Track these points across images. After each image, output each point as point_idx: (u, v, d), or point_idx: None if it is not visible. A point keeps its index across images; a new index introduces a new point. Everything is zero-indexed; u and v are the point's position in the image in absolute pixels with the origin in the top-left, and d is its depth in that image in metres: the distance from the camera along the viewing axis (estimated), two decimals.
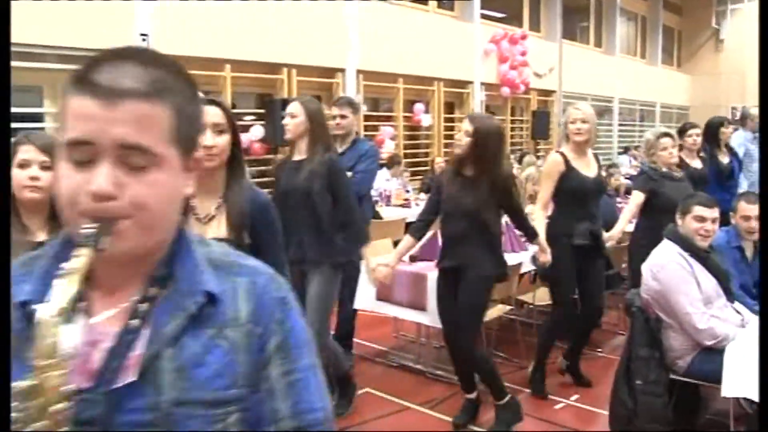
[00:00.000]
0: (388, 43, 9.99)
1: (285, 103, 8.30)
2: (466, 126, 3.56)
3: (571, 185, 4.03)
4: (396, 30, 10.12)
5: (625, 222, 4.54)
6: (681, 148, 5.44)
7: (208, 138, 2.06)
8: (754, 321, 3.27)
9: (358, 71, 9.66)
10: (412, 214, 7.67)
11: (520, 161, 9.45)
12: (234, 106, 8.76)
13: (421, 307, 4.27)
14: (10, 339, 0.84)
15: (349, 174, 4.61)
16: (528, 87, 12.93)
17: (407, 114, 10.62)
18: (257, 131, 8.42)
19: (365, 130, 10.03)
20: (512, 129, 13.31)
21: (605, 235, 4.23)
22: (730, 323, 3.24)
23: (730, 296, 3.41)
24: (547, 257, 3.95)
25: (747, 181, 6.67)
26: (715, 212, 3.43)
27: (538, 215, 4.13)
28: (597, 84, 15.85)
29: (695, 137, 5.52)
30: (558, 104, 14.30)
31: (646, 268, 3.37)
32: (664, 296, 3.24)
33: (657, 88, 19.08)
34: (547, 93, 14.15)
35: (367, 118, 10.19)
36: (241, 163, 2.19)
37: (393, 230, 6.42)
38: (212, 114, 2.10)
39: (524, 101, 13.55)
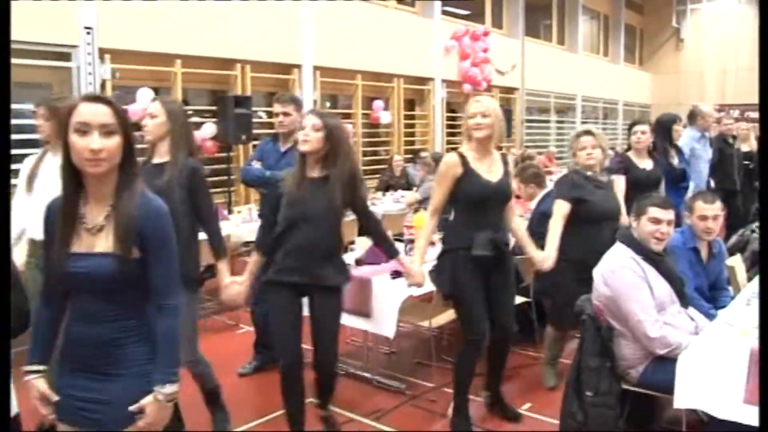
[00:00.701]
0: (346, 39, 9.78)
1: (237, 99, 8.12)
2: (313, 120, 3.15)
3: (468, 190, 3.46)
4: (354, 26, 9.92)
5: (557, 238, 3.92)
6: (629, 147, 5.30)
7: (95, 140, 1.81)
8: (708, 327, 3.13)
9: (315, 67, 9.44)
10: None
11: None
12: (186, 103, 8.49)
13: (365, 314, 4.08)
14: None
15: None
16: (490, 84, 12.81)
17: (366, 111, 10.43)
18: (209, 129, 8.15)
19: None
20: None
21: (539, 256, 3.80)
22: (683, 331, 3.10)
23: (684, 301, 3.27)
24: (413, 279, 3.59)
25: (693, 183, 6.42)
26: (670, 214, 3.29)
27: (425, 224, 3.69)
28: (560, 82, 15.83)
29: (640, 135, 5.15)
30: (521, 102, 14.23)
31: (597, 273, 3.22)
32: (615, 303, 3.09)
33: (619, 86, 19.16)
34: (510, 90, 14.06)
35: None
36: (133, 167, 1.95)
37: (349, 231, 6.20)
38: (100, 113, 1.84)
39: None
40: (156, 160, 3.24)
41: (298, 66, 9.26)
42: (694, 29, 21.23)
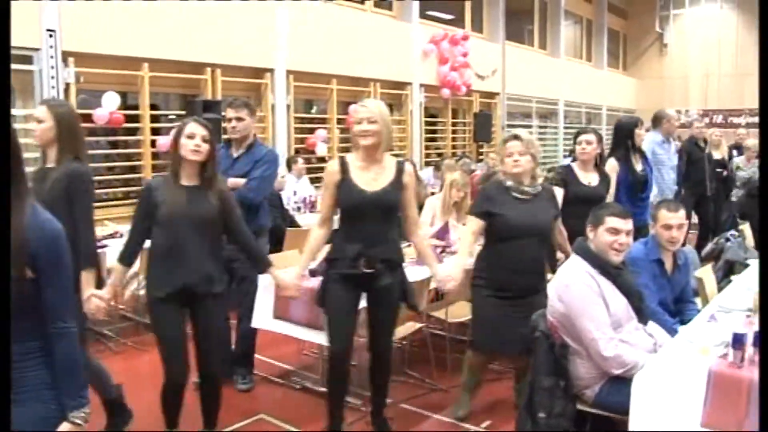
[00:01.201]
0: (321, 43, 9.61)
1: (206, 104, 7.94)
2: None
3: (342, 199, 3.32)
4: (329, 29, 9.75)
5: (464, 256, 3.70)
6: (574, 158, 5.04)
7: None
8: (668, 344, 2.98)
9: (288, 71, 9.26)
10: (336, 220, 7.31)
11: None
12: (156, 107, 8.31)
13: (319, 327, 3.90)
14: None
15: (243, 180, 4.26)
16: (470, 89, 12.66)
17: (342, 116, 10.26)
18: None
19: (298, 133, 9.68)
20: (454, 131, 13.05)
21: (441, 275, 3.54)
22: (640, 349, 2.94)
23: (643, 317, 3.12)
24: (285, 291, 3.50)
25: (656, 188, 6.22)
26: (629, 224, 3.14)
27: (313, 233, 3.55)
28: (542, 86, 15.72)
29: (585, 145, 4.72)
30: (501, 106, 14.11)
31: (551, 287, 3.07)
32: (569, 319, 2.94)
33: (603, 91, 19.08)
34: (491, 95, 13.92)
35: (299, 120, 9.83)
36: (22, 182, 1.79)
37: None
38: None
39: (466, 103, 13.30)
40: (48, 165, 3.19)
41: (270, 70, 9.09)
42: (677, 34, 21.21)
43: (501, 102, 14.09)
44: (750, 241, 6.42)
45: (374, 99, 3.42)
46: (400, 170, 3.36)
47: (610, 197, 4.88)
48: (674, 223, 3.57)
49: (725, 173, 8.43)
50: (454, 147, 12.87)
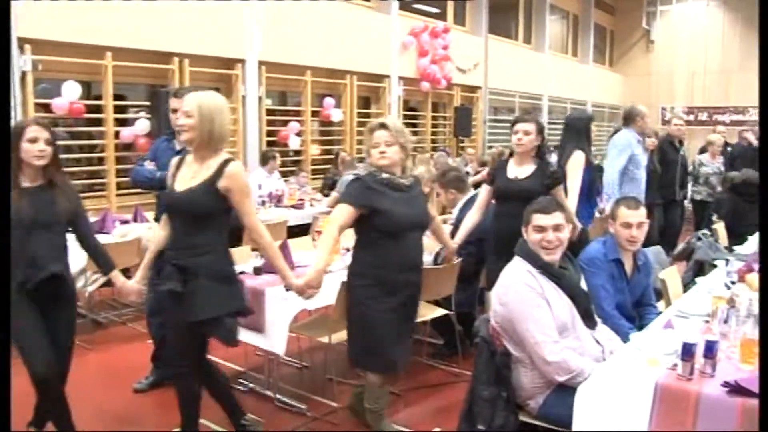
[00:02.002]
0: (295, 34, 9.39)
1: (173, 94, 7.69)
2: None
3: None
4: (304, 19, 9.52)
5: (325, 252, 3.26)
6: (512, 153, 4.45)
7: None
8: (619, 351, 2.78)
9: (260, 62, 9.04)
10: (302, 216, 7.11)
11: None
12: (122, 98, 8.07)
13: (258, 329, 3.70)
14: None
15: None
16: (450, 82, 12.47)
17: (317, 109, 10.05)
18: (142, 125, 7.73)
19: (270, 125, 9.46)
20: (434, 126, 12.86)
21: (298, 283, 3.16)
22: (587, 356, 2.75)
23: (591, 321, 2.93)
24: (128, 297, 3.33)
25: (634, 191, 5.93)
26: (556, 218, 2.93)
27: (155, 235, 3.30)
28: (525, 81, 15.53)
29: (522, 135, 4.17)
30: (483, 101, 13.91)
31: (494, 290, 2.87)
32: (510, 323, 2.75)
33: (588, 87, 18.91)
34: (472, 89, 13.72)
35: (272, 112, 9.61)
36: None
37: (273, 234, 5.83)
38: None
39: (447, 97, 13.10)
40: None
41: (242, 61, 8.86)
42: (664, 31, 21.07)
43: (483, 96, 13.90)
44: (724, 240, 6.26)
45: (207, 92, 2.84)
46: (219, 171, 2.93)
47: (574, 193, 4.65)
48: (633, 221, 3.39)
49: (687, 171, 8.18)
50: (434, 141, 12.68)
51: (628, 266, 3.48)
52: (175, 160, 3.14)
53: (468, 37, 13.58)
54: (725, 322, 2.80)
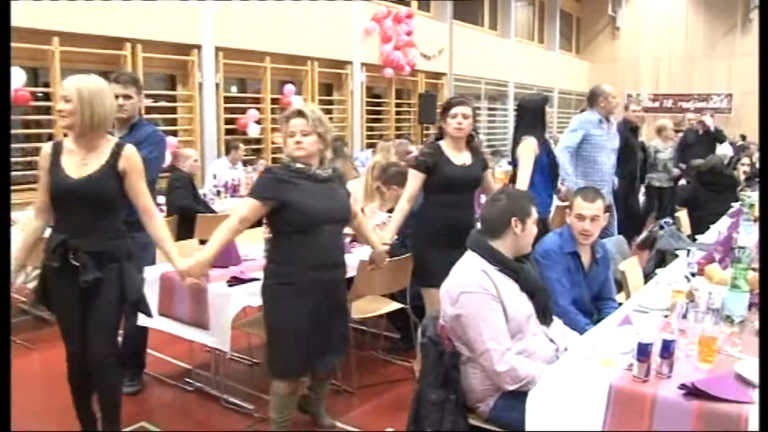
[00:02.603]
0: (253, 19, 9.12)
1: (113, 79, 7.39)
2: None
3: (51, 187, 2.88)
4: (263, 4, 9.25)
5: (215, 246, 3.05)
6: (440, 136, 4.05)
7: None
8: (572, 350, 2.64)
9: (217, 48, 8.77)
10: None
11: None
12: None
13: (203, 325, 3.51)
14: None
15: None
16: (414, 69, 12.29)
17: (277, 96, 9.80)
18: None
19: (228, 113, 9.21)
20: (398, 113, 12.68)
21: (180, 265, 3.02)
22: (539, 358, 2.61)
23: (548, 318, 2.79)
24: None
25: (595, 176, 5.69)
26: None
27: (28, 226, 3.16)
28: (491, 67, 15.42)
29: (461, 119, 3.83)
30: (448, 87, 13.76)
31: (444, 288, 2.71)
32: (461, 325, 2.59)
33: (555, 74, 18.87)
34: (437, 76, 13.56)
35: (230, 99, 9.35)
36: None
37: None
38: None
39: (412, 84, 12.92)
40: None
41: (198, 46, 8.58)
42: (629, 17, 21.14)
43: (448, 83, 13.75)
44: (687, 229, 6.19)
45: (86, 75, 2.71)
46: (116, 154, 2.88)
47: (523, 182, 4.47)
48: (588, 214, 3.26)
49: (643, 157, 8.06)
50: (398, 129, 12.51)
51: (586, 259, 3.35)
52: (47, 147, 2.93)
53: (432, 22, 13.40)
54: (684, 317, 2.68)
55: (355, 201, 5.33)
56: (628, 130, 7.25)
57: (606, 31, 21.72)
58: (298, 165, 3.08)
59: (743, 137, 17.01)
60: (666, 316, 2.94)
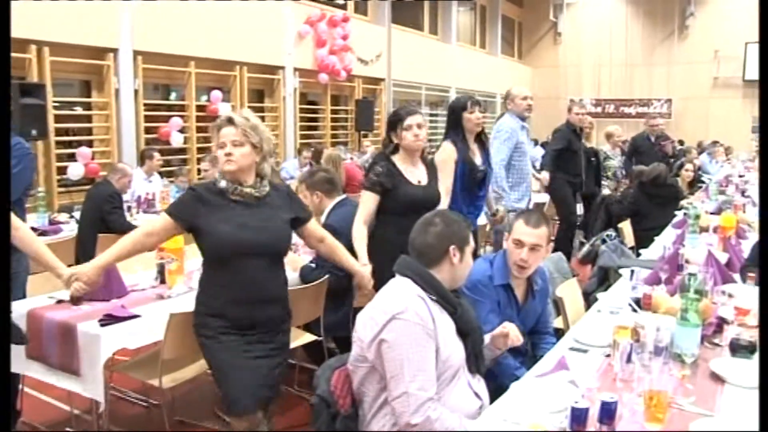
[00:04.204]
0: (176, 21, 8.55)
1: (25, 88, 6.77)
2: None
3: None
4: (186, 6, 8.69)
5: (108, 255, 2.73)
6: (395, 149, 3.61)
7: None
8: (496, 408, 2.19)
9: (136, 52, 8.17)
10: None
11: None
12: None
13: (73, 371, 2.98)
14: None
15: None
16: (351, 74, 11.86)
17: (204, 103, 9.24)
18: None
19: (149, 121, 8.60)
20: (334, 120, 12.22)
21: (65, 270, 2.73)
22: (463, 414, 2.16)
23: (479, 364, 2.35)
24: None
25: (521, 186, 5.29)
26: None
27: None
28: (432, 73, 15.09)
29: (416, 130, 3.52)
30: (387, 93, 13.36)
31: (366, 314, 2.24)
32: (381, 355, 2.12)
33: (497, 79, 18.63)
34: (375, 81, 13.16)
35: (151, 107, 8.74)
36: None
37: None
38: None
39: (349, 89, 12.48)
40: None
41: (114, 50, 7.97)
42: (570, 23, 21.14)
43: (386, 88, 13.35)
44: (630, 240, 5.86)
45: None
46: None
47: (446, 195, 3.89)
48: (528, 241, 2.76)
49: (595, 163, 7.73)
50: (334, 136, 12.06)
51: (520, 292, 2.87)
52: None
53: (370, 26, 13.00)
54: (628, 360, 2.28)
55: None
56: (572, 133, 7.00)
57: (548, 36, 21.69)
58: (222, 183, 2.65)
59: (681, 142, 17.09)
60: (608, 355, 2.54)
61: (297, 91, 10.87)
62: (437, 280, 2.27)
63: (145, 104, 8.47)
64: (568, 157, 6.90)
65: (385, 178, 3.50)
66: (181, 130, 8.86)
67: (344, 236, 3.45)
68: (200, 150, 9.09)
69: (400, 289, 2.24)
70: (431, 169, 3.75)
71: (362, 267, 3.25)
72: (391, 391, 2.10)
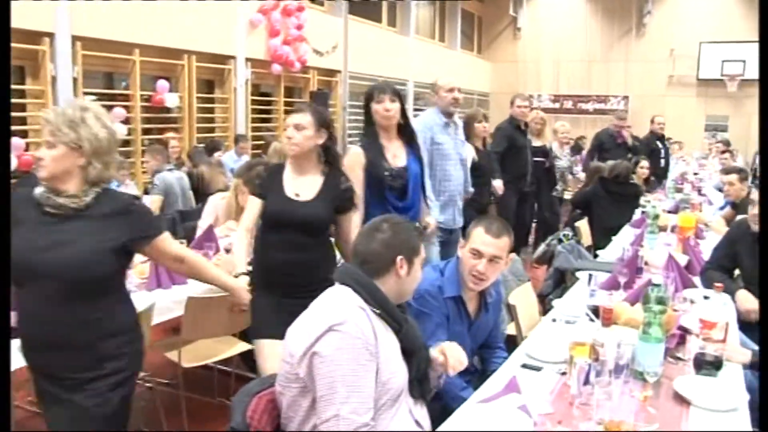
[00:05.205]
0: (119, 5, 8.11)
1: None
2: None
3: None
4: None
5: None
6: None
7: None
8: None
9: (75, 37, 7.72)
10: None
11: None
12: None
13: None
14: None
15: None
16: (305, 65, 11.52)
17: (148, 93, 8.82)
18: None
19: None
20: (288, 112, 11.79)
21: None
22: None
23: (425, 388, 2.09)
24: None
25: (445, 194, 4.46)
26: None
27: None
28: (390, 66, 14.80)
29: (293, 131, 2.93)
30: (343, 85, 13.03)
31: (299, 326, 1.97)
32: (312, 370, 1.86)
33: (456, 73, 18.22)
34: (331, 73, 12.83)
35: (90, 96, 8.29)
36: None
37: None
38: None
39: (303, 81, 12.14)
40: None
41: (50, 35, 7.52)
42: (530, 18, 21.06)
43: (343, 81, 13.01)
44: (587, 239, 5.70)
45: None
46: None
47: (360, 202, 3.29)
48: (487, 252, 2.49)
49: (548, 163, 7.25)
50: None
51: (472, 305, 2.62)
52: None
53: (326, 17, 12.66)
54: (586, 382, 2.05)
55: (218, 218, 4.52)
56: (515, 129, 6.52)
57: (507, 31, 21.58)
58: (38, 191, 2.15)
59: (637, 138, 17.13)
60: (563, 373, 2.32)
61: (249, 82, 10.47)
62: (382, 293, 2.00)
63: (85, 93, 8.02)
64: (512, 156, 6.40)
65: (262, 179, 3.09)
66: (125, 122, 8.43)
67: None
68: (144, 143, 8.68)
69: (340, 299, 1.98)
70: (330, 182, 3.02)
71: (236, 282, 2.76)
72: (321, 413, 1.84)
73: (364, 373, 1.85)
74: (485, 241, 2.50)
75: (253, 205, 3.04)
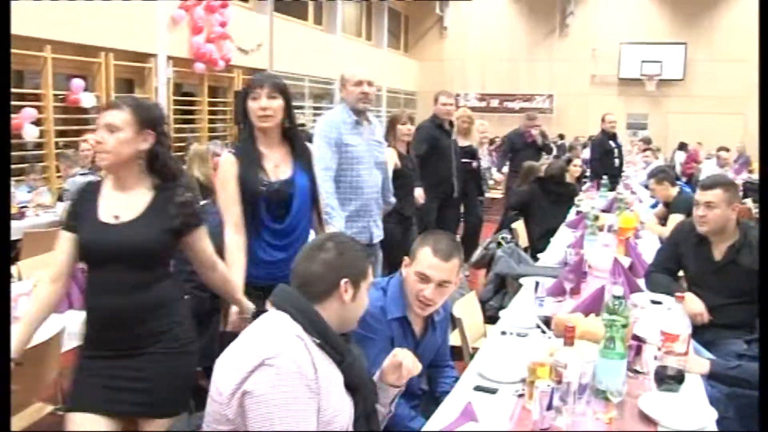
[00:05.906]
0: (28, 2, 7.60)
1: None
2: None
3: None
4: None
5: None
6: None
7: None
8: None
9: None
10: (18, 228, 5.52)
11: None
12: None
13: None
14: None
15: None
16: (229, 64, 11.15)
17: (61, 92, 8.32)
18: None
19: None
20: (212, 112, 11.47)
21: None
22: None
23: (370, 426, 1.89)
24: None
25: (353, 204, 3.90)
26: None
27: None
28: (316, 64, 14.54)
29: (106, 133, 2.18)
30: None
31: (227, 359, 1.74)
32: (243, 411, 1.64)
33: (383, 72, 18.31)
34: (256, 72, 12.48)
35: None
36: None
37: None
38: None
39: (228, 80, 11.77)
40: None
41: None
42: (456, 17, 21.17)
43: None
44: (523, 240, 5.61)
45: None
46: None
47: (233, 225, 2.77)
48: (436, 277, 2.26)
49: (475, 164, 6.67)
50: (212, 130, 11.32)
51: (418, 324, 2.41)
52: None
53: (251, 14, 12.31)
54: (549, 408, 1.89)
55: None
56: (437, 128, 5.98)
57: (434, 30, 21.65)
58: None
59: (561, 137, 17.44)
60: (521, 395, 2.16)
61: (171, 81, 10.05)
62: (323, 320, 1.78)
63: None
64: (434, 159, 5.85)
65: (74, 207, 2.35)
66: (36, 123, 7.92)
67: None
68: (59, 145, 8.17)
69: (275, 327, 1.75)
70: (160, 198, 2.28)
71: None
72: None
73: (303, 414, 1.64)
74: (432, 264, 2.27)
75: (63, 244, 2.28)
